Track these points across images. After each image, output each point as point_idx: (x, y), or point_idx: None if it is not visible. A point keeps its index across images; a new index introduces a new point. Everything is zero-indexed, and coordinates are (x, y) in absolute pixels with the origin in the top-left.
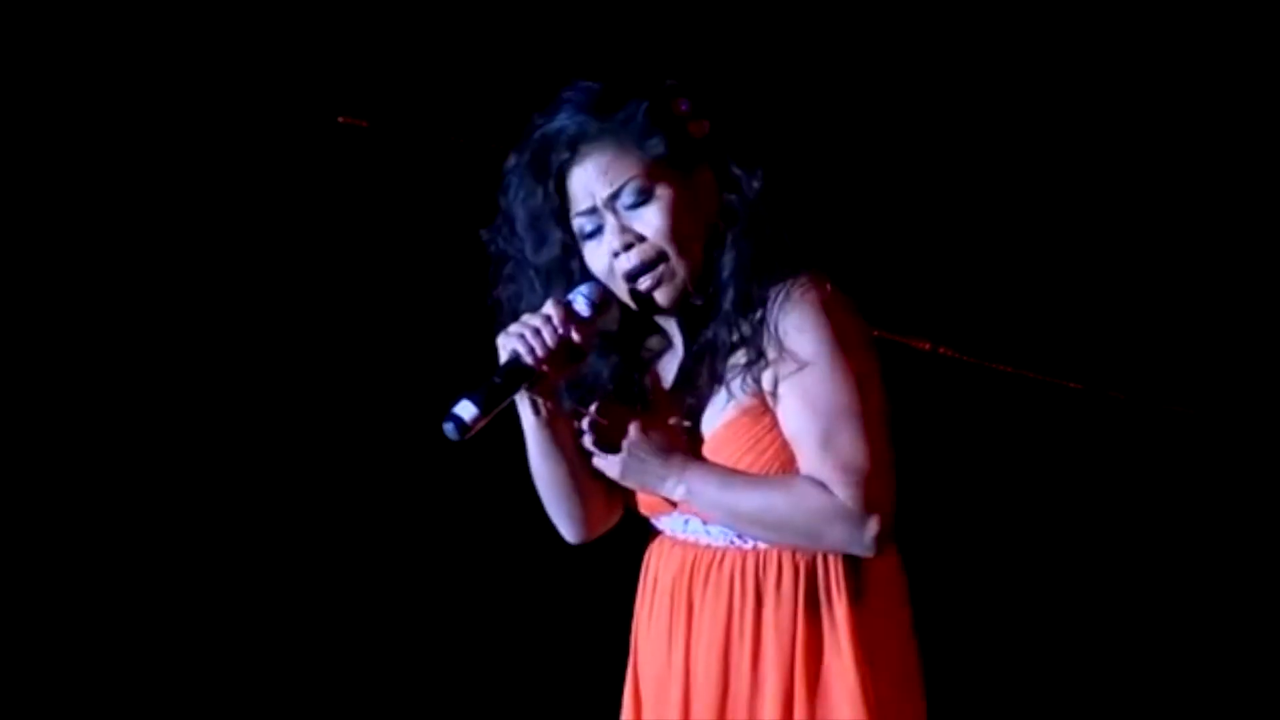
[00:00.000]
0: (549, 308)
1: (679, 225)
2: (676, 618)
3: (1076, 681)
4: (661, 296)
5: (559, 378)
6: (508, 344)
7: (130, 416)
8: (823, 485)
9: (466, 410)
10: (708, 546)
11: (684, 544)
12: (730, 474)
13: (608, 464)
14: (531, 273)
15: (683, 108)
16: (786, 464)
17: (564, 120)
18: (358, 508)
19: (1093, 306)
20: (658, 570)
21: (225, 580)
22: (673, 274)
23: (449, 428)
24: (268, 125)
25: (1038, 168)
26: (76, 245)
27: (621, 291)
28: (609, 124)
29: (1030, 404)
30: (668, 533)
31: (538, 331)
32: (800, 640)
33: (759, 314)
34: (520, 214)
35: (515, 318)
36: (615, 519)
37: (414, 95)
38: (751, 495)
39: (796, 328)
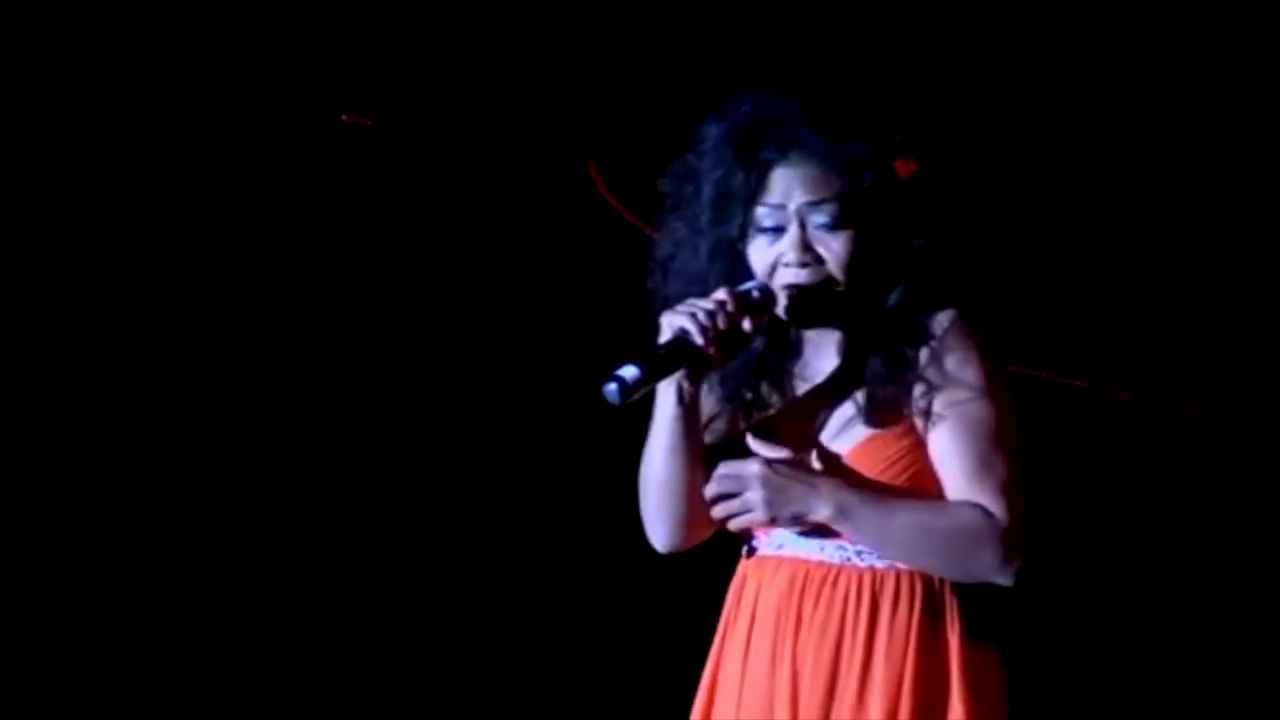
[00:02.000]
0: (723, 293)
1: (857, 259)
2: (783, 636)
3: (1081, 684)
4: (815, 317)
5: (719, 365)
6: (675, 321)
7: (136, 416)
8: (978, 507)
9: (629, 372)
10: (820, 563)
11: (791, 561)
12: (881, 490)
13: (749, 514)
14: (700, 241)
15: (905, 167)
16: (921, 486)
17: (785, 120)
18: (362, 507)
19: (1087, 303)
20: (759, 589)
21: (227, 580)
22: (835, 299)
23: (612, 389)
24: (270, 124)
25: (1038, 164)
26: (78, 245)
27: (778, 295)
28: (829, 146)
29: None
30: (770, 551)
31: (711, 314)
32: (910, 665)
33: (918, 345)
34: (710, 186)
35: (669, 277)
36: (713, 532)
37: (418, 93)
38: (908, 512)
39: (963, 360)
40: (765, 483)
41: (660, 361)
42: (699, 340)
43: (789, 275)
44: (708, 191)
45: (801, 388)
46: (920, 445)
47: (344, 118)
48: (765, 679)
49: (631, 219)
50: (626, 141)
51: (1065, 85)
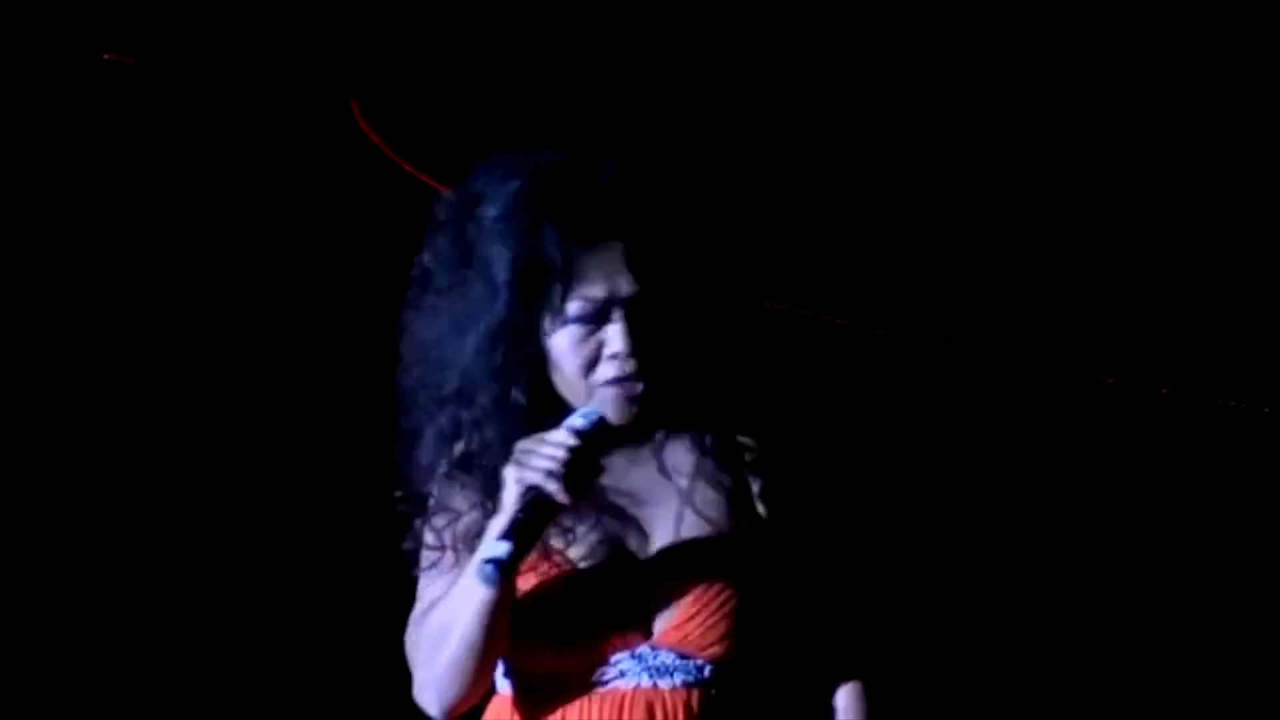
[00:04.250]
0: (568, 437)
1: (692, 347)
2: None
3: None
4: (635, 414)
5: (572, 506)
6: (527, 477)
7: (142, 415)
8: None
9: (500, 549)
10: (673, 689)
11: (645, 693)
12: None
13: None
14: (476, 327)
15: (713, 237)
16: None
17: (591, 188)
18: (359, 507)
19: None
20: None
21: (228, 580)
22: (654, 394)
23: (491, 573)
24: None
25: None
26: (78, 245)
27: (593, 392)
28: (655, 218)
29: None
30: (620, 683)
31: (564, 462)
32: None
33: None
34: (502, 268)
35: (430, 370)
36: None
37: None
38: None
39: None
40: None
41: (526, 527)
42: (560, 495)
43: (611, 370)
44: (499, 274)
45: (651, 484)
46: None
47: (105, 56)
48: None
49: (395, 157)
50: (390, 79)
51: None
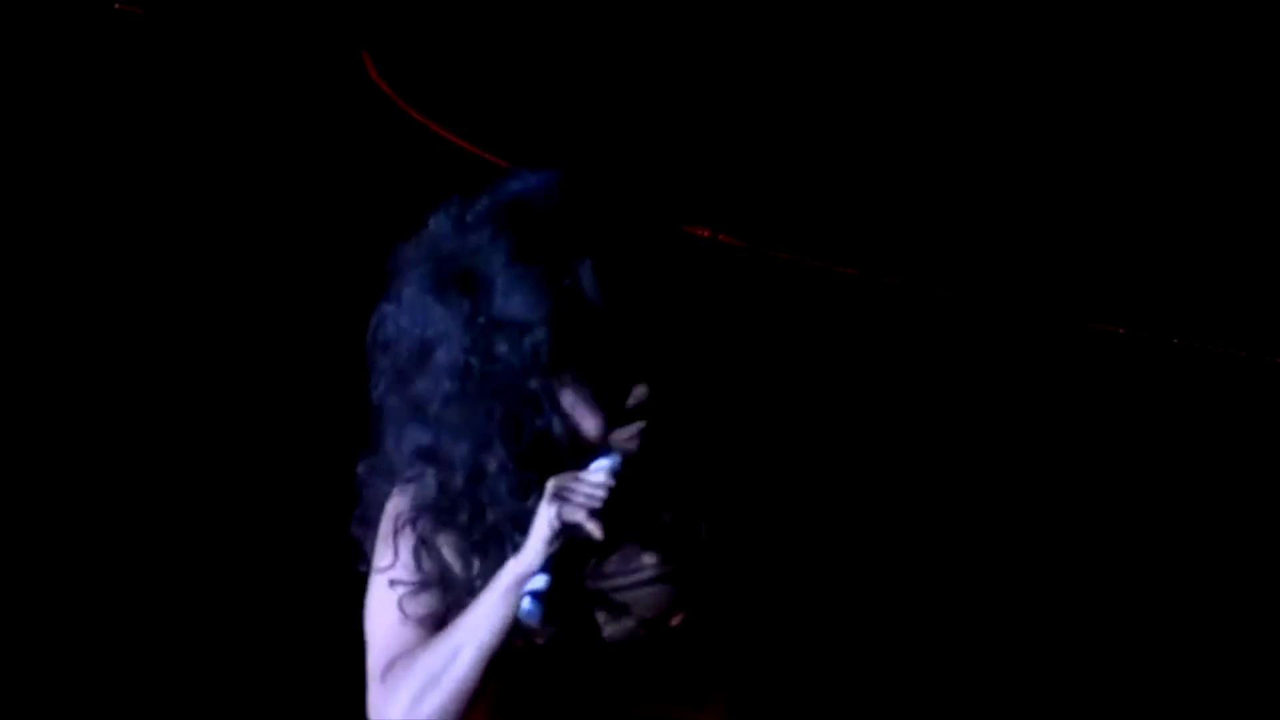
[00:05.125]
0: (605, 476)
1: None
2: None
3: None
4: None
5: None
6: (568, 515)
7: (145, 414)
8: None
9: (539, 582)
10: None
11: None
12: None
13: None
14: (491, 393)
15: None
16: None
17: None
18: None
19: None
20: None
21: (226, 580)
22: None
23: (530, 606)
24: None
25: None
26: (79, 243)
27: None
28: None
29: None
30: None
31: (603, 500)
32: None
33: None
34: (519, 338)
35: (444, 435)
36: None
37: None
38: None
39: None
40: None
41: (563, 564)
42: (597, 533)
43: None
44: (519, 322)
45: None
46: None
47: (116, 6)
48: None
49: (407, 109)
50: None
51: None
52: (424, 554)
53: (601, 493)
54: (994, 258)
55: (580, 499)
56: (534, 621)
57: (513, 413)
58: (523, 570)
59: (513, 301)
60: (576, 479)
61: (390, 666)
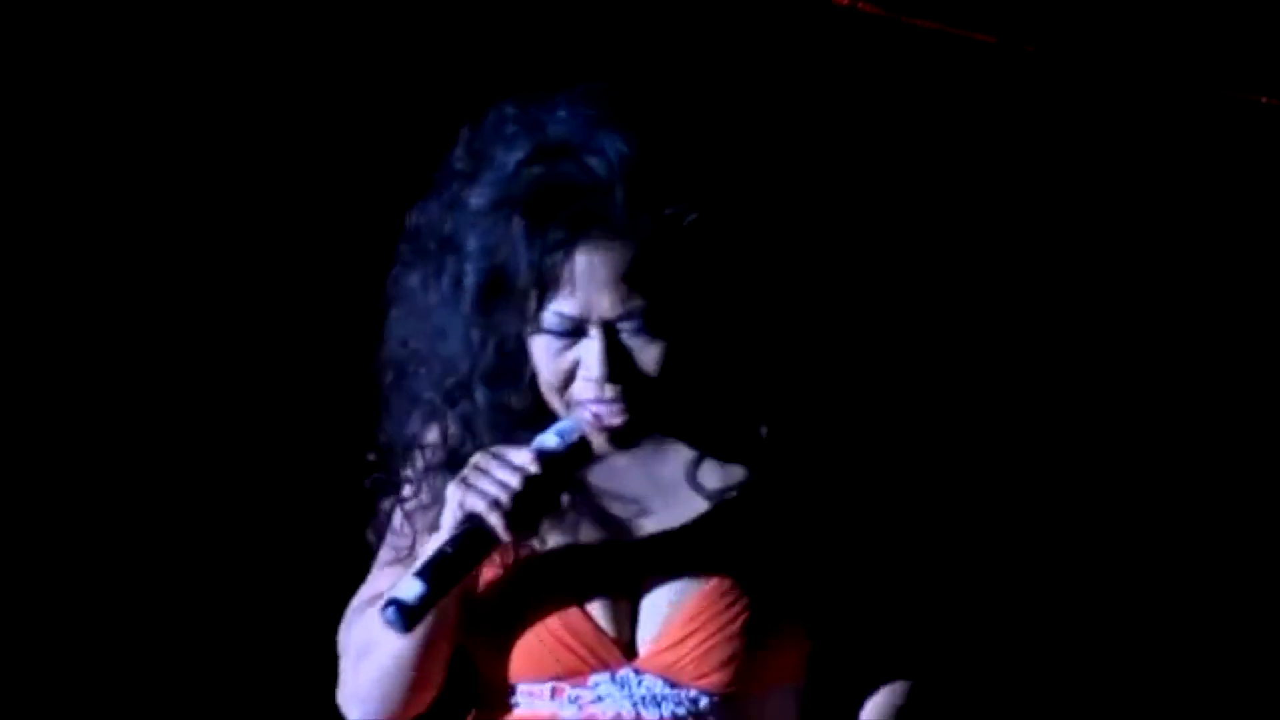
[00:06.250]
0: (529, 461)
1: (678, 369)
2: None
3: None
4: (619, 439)
5: (520, 541)
6: (469, 502)
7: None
8: None
9: (411, 590)
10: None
11: None
12: None
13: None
14: (455, 326)
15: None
16: None
17: (589, 183)
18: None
19: None
20: None
21: (227, 580)
22: (640, 424)
23: (392, 615)
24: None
25: None
26: (80, 243)
27: (571, 408)
28: (645, 220)
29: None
30: (597, 709)
31: (515, 490)
32: None
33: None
34: (473, 270)
35: (410, 361)
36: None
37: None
38: None
39: None
40: None
41: (451, 564)
42: (500, 532)
43: (590, 391)
44: (471, 275)
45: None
46: None
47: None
48: None
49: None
50: None
51: None
52: (416, 502)
53: (514, 481)
54: None
55: (486, 484)
56: (397, 636)
57: (499, 345)
58: (432, 557)
59: (466, 243)
60: (494, 458)
61: (358, 607)
